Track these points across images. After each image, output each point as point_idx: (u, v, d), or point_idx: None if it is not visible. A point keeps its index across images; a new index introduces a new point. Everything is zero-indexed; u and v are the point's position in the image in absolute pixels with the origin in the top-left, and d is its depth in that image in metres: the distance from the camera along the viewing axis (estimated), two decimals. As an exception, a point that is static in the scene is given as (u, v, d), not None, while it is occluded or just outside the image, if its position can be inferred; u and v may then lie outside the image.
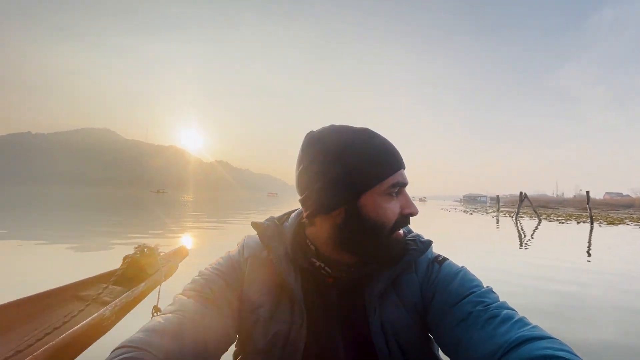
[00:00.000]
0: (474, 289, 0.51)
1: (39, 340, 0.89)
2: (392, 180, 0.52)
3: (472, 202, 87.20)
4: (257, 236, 0.62)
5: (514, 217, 16.27)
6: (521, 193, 15.57)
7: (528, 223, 13.45)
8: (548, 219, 15.49)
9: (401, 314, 0.55)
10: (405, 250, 0.57)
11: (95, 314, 0.96)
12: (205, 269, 0.59)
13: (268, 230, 0.61)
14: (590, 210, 12.49)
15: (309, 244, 0.58)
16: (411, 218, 0.56)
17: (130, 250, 1.35)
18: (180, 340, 0.45)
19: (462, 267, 0.58)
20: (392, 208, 0.53)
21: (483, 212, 24.50)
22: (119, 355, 0.39)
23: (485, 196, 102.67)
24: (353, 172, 0.51)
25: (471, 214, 20.80)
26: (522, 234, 9.43)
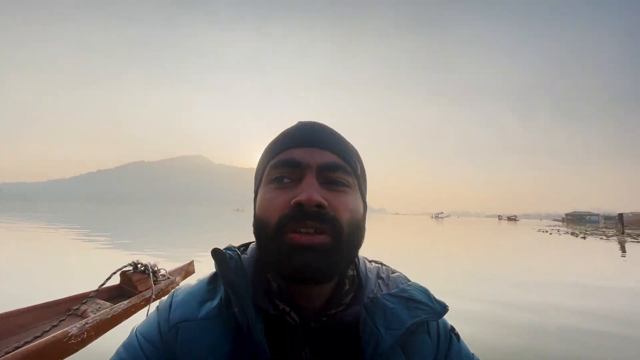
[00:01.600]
0: None
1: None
2: (274, 162, 0.41)
3: (579, 222, 72.07)
4: (193, 286, 0.45)
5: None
6: None
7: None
8: None
9: None
10: (307, 269, 0.36)
11: (59, 332, 0.89)
12: None
13: (232, 262, 0.42)
14: None
15: (270, 279, 0.43)
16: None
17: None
18: None
19: (474, 354, 0.46)
20: (277, 198, 0.39)
21: (599, 235, 19.16)
22: None
23: (597, 215, 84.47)
24: (265, 162, 0.44)
25: (583, 237, 16.32)
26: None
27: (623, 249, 10.62)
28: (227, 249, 0.45)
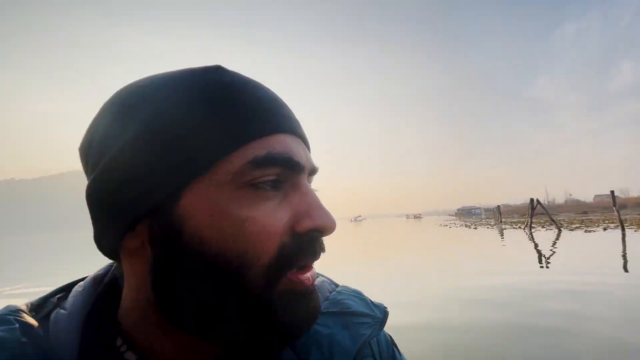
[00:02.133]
0: None
1: None
2: (252, 151, 0.24)
3: (468, 215, 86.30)
4: None
5: (526, 228, 14.72)
6: (532, 200, 13.90)
7: (546, 235, 11.81)
8: (568, 227, 13.84)
9: None
10: (315, 316, 0.27)
11: None
12: None
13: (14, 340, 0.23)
14: (619, 213, 10.72)
15: (118, 336, 0.27)
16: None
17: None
18: None
19: None
20: (270, 219, 0.24)
21: (485, 225, 22.88)
22: None
23: (479, 208, 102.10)
24: (165, 140, 0.24)
25: (475, 228, 19.17)
26: (545, 249, 7.75)
27: (502, 234, 12.60)
28: (6, 313, 0.25)
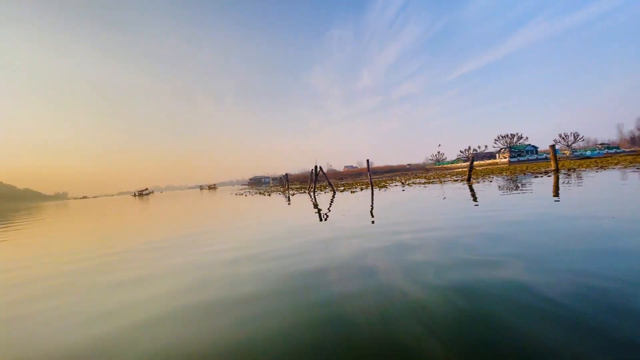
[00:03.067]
0: None
1: None
2: None
3: (259, 184, 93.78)
4: None
5: (310, 192, 17.05)
6: (315, 167, 16.04)
7: (325, 196, 13.91)
8: (338, 190, 17.08)
9: None
10: None
11: None
12: None
13: None
14: (370, 176, 14.59)
15: None
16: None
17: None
18: None
19: None
20: None
21: (276, 192, 24.97)
22: None
23: (268, 177, 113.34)
24: None
25: (269, 195, 20.32)
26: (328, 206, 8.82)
27: (289, 200, 13.73)
28: None
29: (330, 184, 15.65)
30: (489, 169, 33.51)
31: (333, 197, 13.11)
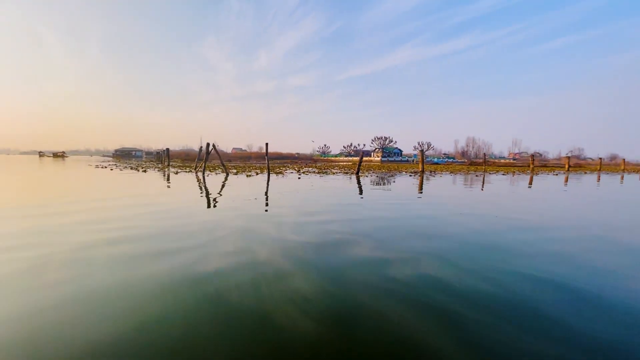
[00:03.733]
0: None
1: None
2: None
3: (127, 157, 79.42)
4: None
5: (199, 171, 15.09)
6: (208, 145, 14.13)
7: (217, 179, 12.54)
8: (231, 173, 15.68)
9: None
10: None
11: None
12: None
13: None
14: (267, 161, 13.84)
15: None
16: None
17: None
18: None
19: None
20: None
21: (154, 168, 21.33)
22: None
23: (140, 150, 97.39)
24: None
25: (145, 171, 17.06)
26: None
27: (168, 179, 11.95)
28: None
29: (223, 165, 14.20)
30: (368, 165, 38.12)
31: (226, 179, 11.98)
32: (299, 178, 12.91)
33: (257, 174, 15.18)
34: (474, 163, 55.91)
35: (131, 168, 20.09)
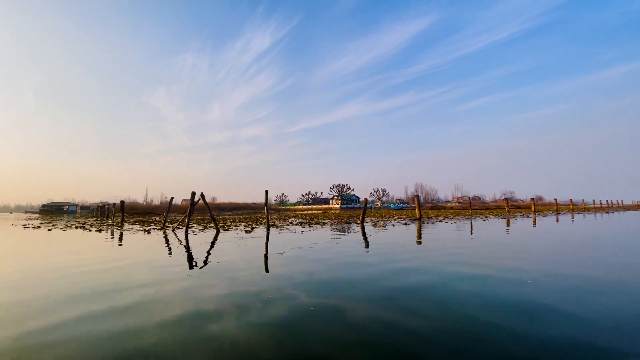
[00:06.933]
0: None
1: None
2: None
3: (58, 213, 68.37)
4: None
5: (176, 229, 12.40)
6: (193, 195, 11.42)
7: (206, 237, 10.11)
8: (225, 227, 13.13)
9: None
10: None
11: None
12: None
13: None
14: (267, 211, 11.74)
15: None
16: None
17: None
18: None
19: None
20: None
21: (101, 226, 17.64)
22: None
23: (75, 205, 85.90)
24: None
25: (98, 230, 13.70)
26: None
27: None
28: None
29: (213, 219, 11.58)
30: (328, 214, 35.90)
31: (216, 237, 9.69)
32: (302, 232, 11.09)
33: (252, 228, 12.91)
34: (430, 207, 58.92)
35: (62, 229, 16.11)
